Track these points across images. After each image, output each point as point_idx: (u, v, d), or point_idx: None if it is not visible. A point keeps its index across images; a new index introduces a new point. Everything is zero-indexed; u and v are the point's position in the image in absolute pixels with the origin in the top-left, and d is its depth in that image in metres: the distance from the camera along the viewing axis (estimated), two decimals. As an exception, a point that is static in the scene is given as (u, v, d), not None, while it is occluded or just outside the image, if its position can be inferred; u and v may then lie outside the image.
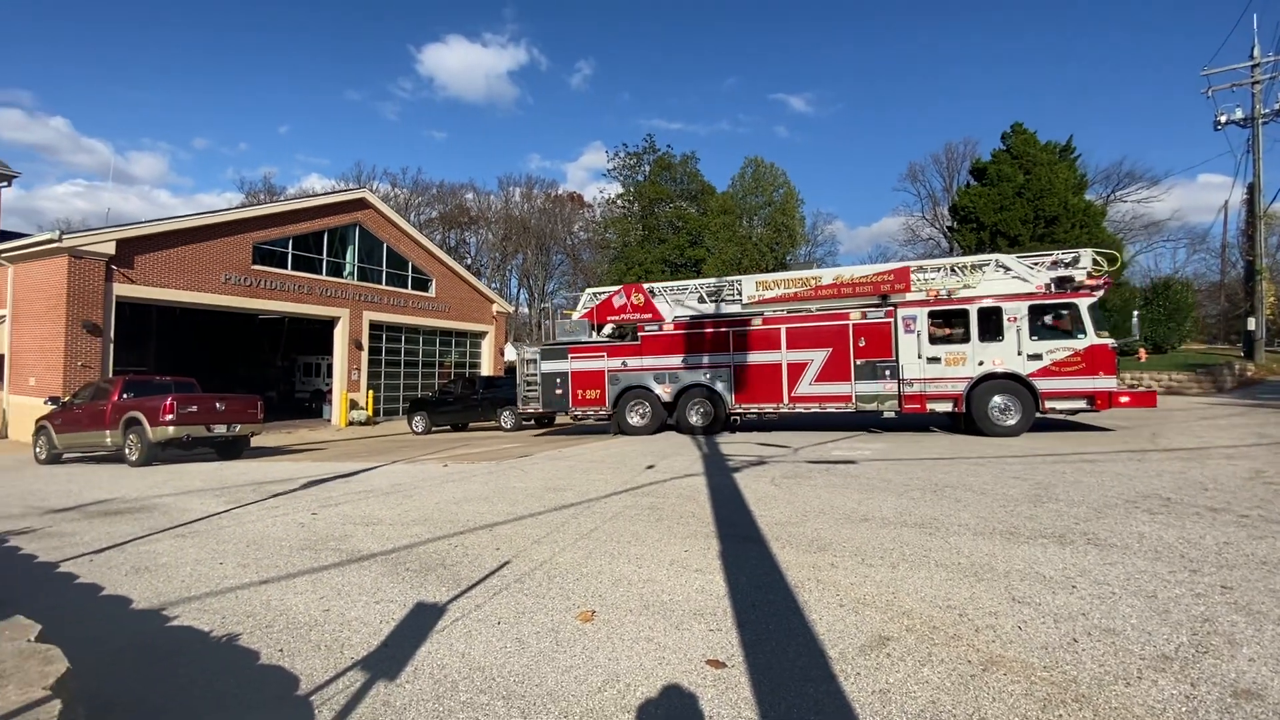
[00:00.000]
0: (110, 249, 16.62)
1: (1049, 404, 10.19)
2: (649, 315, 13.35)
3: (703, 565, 3.74)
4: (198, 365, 25.18)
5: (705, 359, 12.50)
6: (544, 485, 6.79)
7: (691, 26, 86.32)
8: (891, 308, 11.34)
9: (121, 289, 17.05)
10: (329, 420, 22.35)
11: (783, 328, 11.98)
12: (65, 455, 12.84)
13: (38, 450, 12.82)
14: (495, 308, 28.25)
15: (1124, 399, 9.93)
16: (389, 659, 2.75)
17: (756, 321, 12.20)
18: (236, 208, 23.42)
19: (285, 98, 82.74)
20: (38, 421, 12.99)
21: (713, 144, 76.50)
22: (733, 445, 9.63)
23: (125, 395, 11.93)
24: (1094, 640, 2.64)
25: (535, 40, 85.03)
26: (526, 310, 54.94)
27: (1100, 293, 10.22)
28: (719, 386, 12.37)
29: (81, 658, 2.07)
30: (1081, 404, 10.08)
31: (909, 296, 11.44)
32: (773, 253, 35.56)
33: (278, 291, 20.59)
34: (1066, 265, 10.79)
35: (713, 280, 13.19)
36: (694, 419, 12.54)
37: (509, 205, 58.46)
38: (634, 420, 12.95)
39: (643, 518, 4.98)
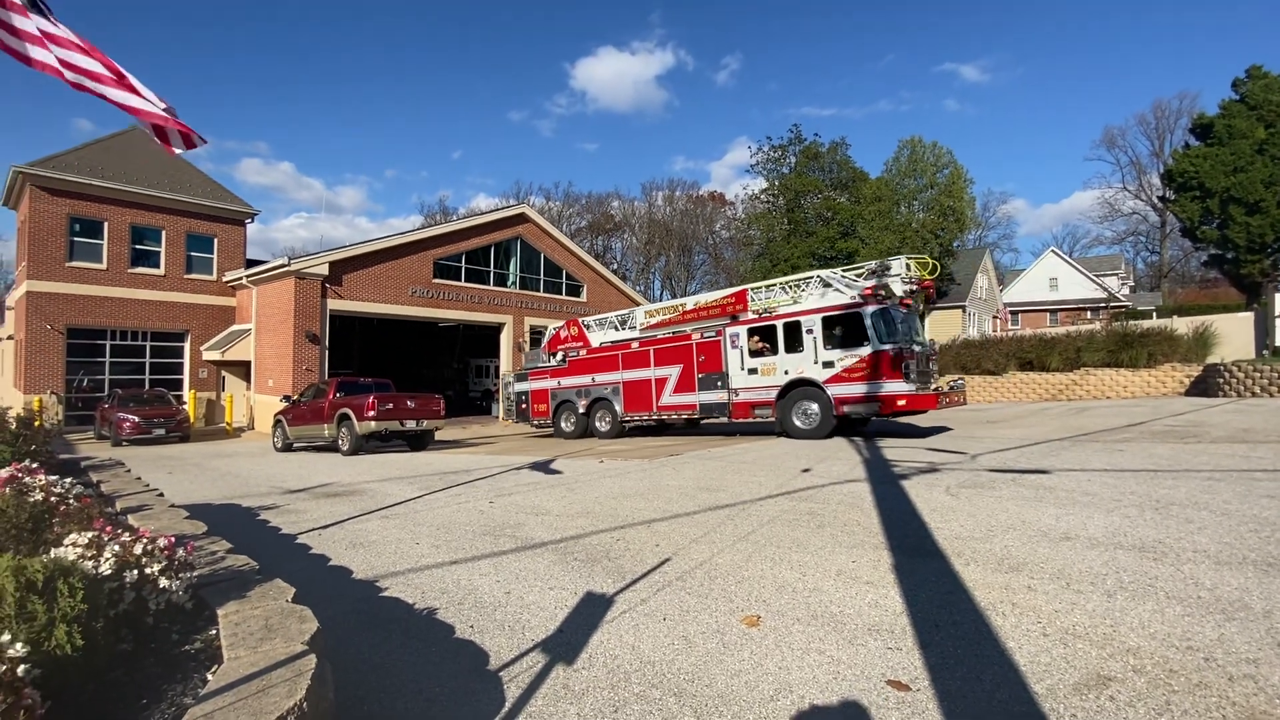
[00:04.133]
0: (324, 270, 19.53)
1: (845, 408, 11.26)
2: (581, 343, 16.07)
3: (874, 578, 3.53)
4: (390, 368, 28.78)
5: (606, 376, 15.02)
6: (696, 484, 6.85)
7: (843, 5, 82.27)
8: (722, 327, 13.13)
9: (333, 304, 19.97)
10: (497, 417, 24.35)
11: (651, 349, 14.21)
12: (295, 445, 15.27)
13: (275, 440, 15.38)
14: (643, 310, 29.07)
15: (901, 401, 10.73)
16: (565, 644, 2.93)
17: (636, 344, 14.54)
18: (418, 229, 26.44)
19: (458, 126, 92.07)
20: (275, 416, 15.59)
21: (869, 127, 72.30)
22: (898, 451, 9.02)
23: (338, 394, 13.93)
24: None
25: (682, 42, 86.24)
26: (672, 311, 55.76)
27: (888, 301, 11.14)
28: (614, 399, 14.83)
29: (322, 617, 2.45)
30: (873, 407, 11.01)
31: (746, 315, 12.93)
32: (937, 239, 32.69)
33: (453, 301, 22.88)
34: (880, 274, 11.66)
35: (623, 312, 15.84)
36: (600, 425, 15.10)
37: (651, 209, 59.91)
38: (565, 427, 15.79)
39: (803, 523, 4.82)
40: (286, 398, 15.87)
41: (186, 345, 22.32)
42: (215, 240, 22.86)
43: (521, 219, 25.66)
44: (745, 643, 2.83)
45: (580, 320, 16.77)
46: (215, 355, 21.89)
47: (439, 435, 16.15)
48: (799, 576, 3.62)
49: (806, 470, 7.43)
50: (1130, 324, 19.44)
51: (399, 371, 29.33)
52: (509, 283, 25.23)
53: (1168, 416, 11.67)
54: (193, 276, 22.35)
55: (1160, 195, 28.46)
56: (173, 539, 2.54)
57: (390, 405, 13.10)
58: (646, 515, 5.41)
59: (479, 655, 2.87)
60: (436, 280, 22.71)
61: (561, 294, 26.71)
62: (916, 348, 11.32)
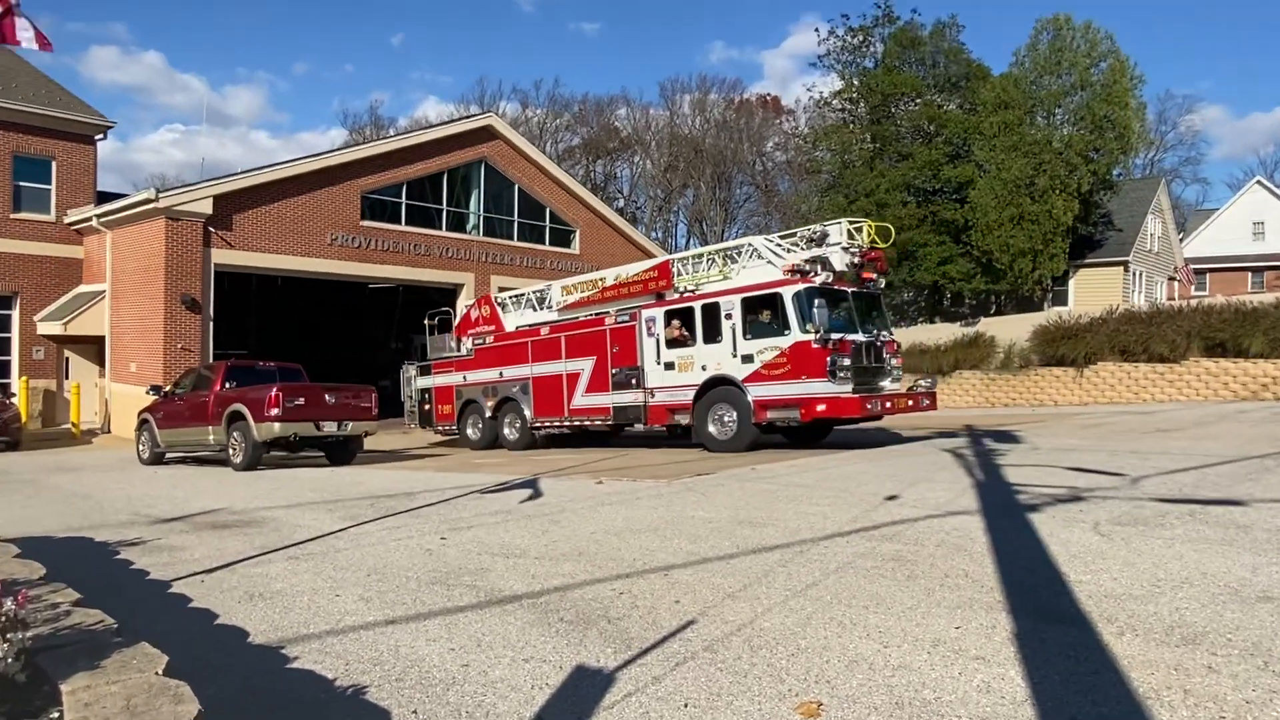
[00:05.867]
0: (207, 207, 19.72)
1: (768, 414, 12.26)
2: (493, 327, 17.46)
3: (986, 651, 3.55)
4: (302, 348, 29.00)
5: (515, 371, 16.40)
6: (734, 516, 6.89)
7: None
8: (637, 309, 14.18)
9: (220, 255, 20.17)
10: (451, 419, 24.52)
11: (563, 336, 15.45)
12: (169, 455, 15.48)
13: (140, 448, 15.63)
14: (659, 266, 29.14)
15: (820, 407, 11.74)
16: (545, 738, 2.97)
17: (545, 330, 15.92)
18: (340, 149, 26.57)
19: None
20: (140, 414, 15.84)
21: (991, 1, 71.21)
22: (1027, 470, 9.00)
23: (228, 385, 14.12)
24: None
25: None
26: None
27: (816, 278, 12.11)
28: (523, 399, 16.16)
29: (202, 697, 2.51)
30: (795, 414, 12.01)
31: (671, 294, 14.02)
32: (1088, 165, 32.25)
33: (390, 253, 23.03)
34: (816, 243, 12.62)
35: (541, 287, 17.10)
36: (509, 433, 16.56)
37: (675, 121, 59.67)
38: (471, 435, 17.41)
39: (885, 573, 4.85)
40: (156, 389, 16.09)
41: (14, 314, 22.64)
42: (53, 165, 23.04)
43: (487, 135, 25.68)
44: (800, 740, 2.86)
45: (493, 297, 18.12)
46: (54, 328, 22.18)
47: (370, 443, 16.32)
48: (878, 648, 3.64)
49: (891, 498, 7.42)
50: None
51: (314, 353, 29.60)
52: (469, 227, 25.32)
53: None
54: (21, 216, 22.59)
55: None
56: (-2, 586, 2.60)
57: (301, 401, 13.25)
58: (663, 559, 5.45)
59: (425, 752, 2.93)
60: (366, 223, 22.84)
61: (544, 243, 26.80)
62: (860, 337, 12.47)
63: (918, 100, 36.11)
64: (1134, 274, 37.58)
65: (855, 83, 37.51)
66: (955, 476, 8.66)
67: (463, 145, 24.96)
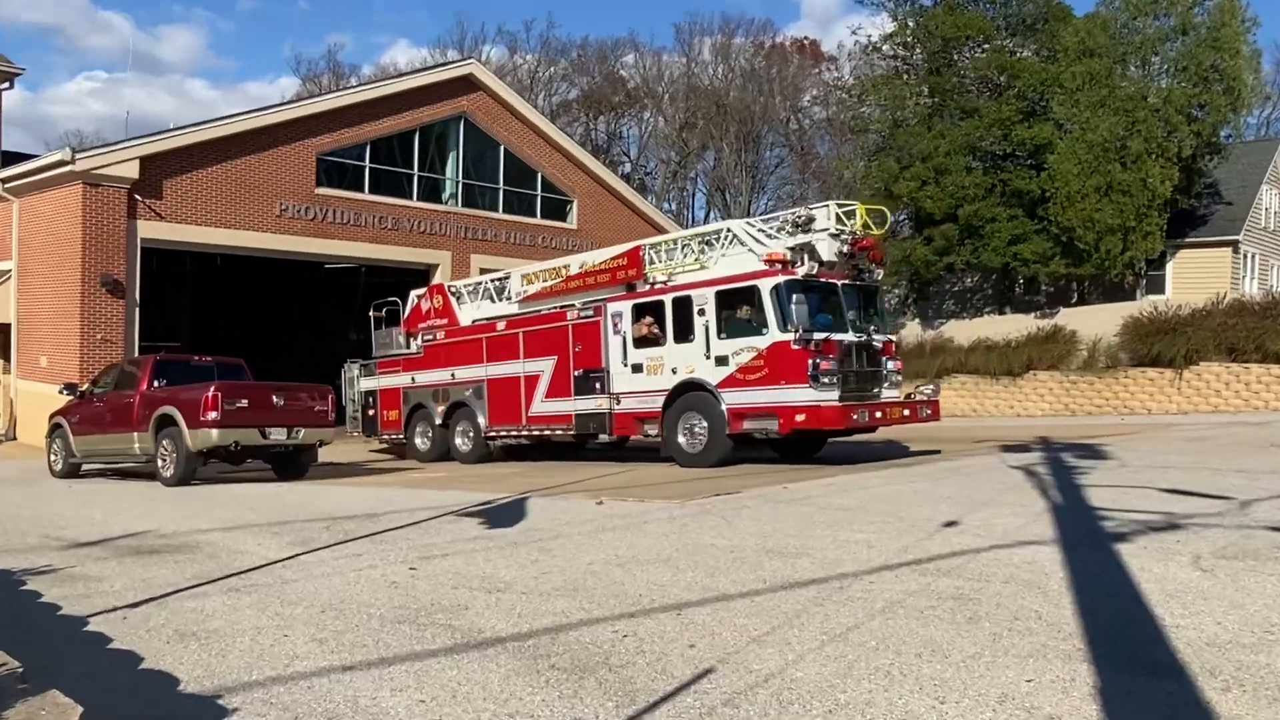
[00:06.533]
0: (133, 171, 19.80)
1: (745, 423, 12.80)
2: (446, 320, 18.12)
3: (1063, 709, 3.53)
4: (245, 340, 29.14)
5: (468, 372, 16.99)
6: (760, 544, 6.89)
7: None
8: (603, 303, 14.76)
9: (148, 228, 20.26)
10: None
11: (521, 332, 16.09)
12: (86, 466, 15.53)
13: (52, 459, 15.72)
14: (674, 243, 29.25)
15: (799, 417, 12.15)
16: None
17: (501, 325, 16.64)
18: (292, 102, 26.64)
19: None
20: (52, 419, 15.92)
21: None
22: (1112, 491, 8.97)
23: (157, 383, 14.18)
24: None
25: None
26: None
27: (800, 269, 12.59)
28: (476, 404, 16.78)
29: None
30: (773, 424, 12.49)
31: (643, 285, 14.59)
32: (1190, 124, 32.06)
33: (351, 227, 23.10)
34: (802, 229, 12.95)
35: (499, 275, 17.77)
36: (460, 443, 17.21)
37: (693, 70, 59.62)
38: (419, 445, 18.09)
39: (942, 614, 4.83)
40: (70, 388, 16.16)
41: (-96, 297, 22.76)
42: (-52, 119, 23.17)
43: (468, 85, 25.72)
44: (838, 814, 2.86)
45: (446, 286, 18.75)
46: (-49, 314, 22.28)
47: (325, 454, 16.37)
48: (933, 704, 3.63)
49: (950, 524, 7.41)
50: None
51: (260, 347, 29.70)
52: (446, 196, 25.40)
53: None
54: (-88, 180, 22.71)
55: None
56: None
57: (244, 403, 13.30)
58: (674, 595, 5.45)
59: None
60: (323, 191, 22.91)
61: (535, 215, 26.84)
62: (850, 337, 12.91)
63: (985, 45, 35.92)
64: (1245, 256, 37.39)
65: (910, 24, 37.34)
66: (1027, 499, 8.62)
67: (439, 98, 25.01)
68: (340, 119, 23.13)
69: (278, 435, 13.60)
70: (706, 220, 56.66)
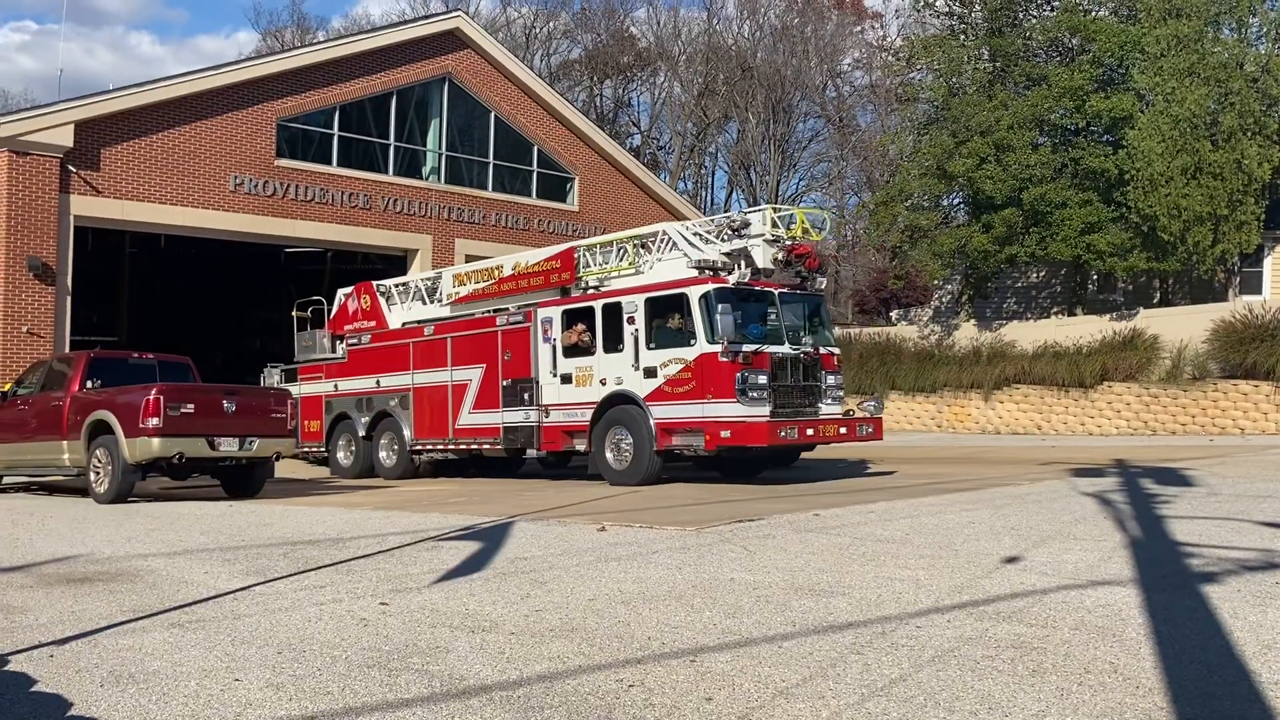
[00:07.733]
0: (66, 138, 19.91)
1: (674, 439, 13.68)
2: (374, 322, 19.11)
3: (1140, 776, 3.52)
4: (192, 335, 29.25)
5: (393, 380, 17.92)
6: (789, 580, 6.88)
7: None
8: (532, 308, 15.77)
9: (83, 204, 20.37)
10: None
11: (449, 338, 17.09)
12: (7, 479, 15.59)
13: (-32, 471, 15.75)
14: (690, 229, 29.33)
15: (725, 433, 12.98)
16: None
17: (429, 330, 17.58)
18: (248, 60, 26.73)
19: None
20: (-32, 424, 15.95)
21: None
22: (1200, 525, 8.94)
23: (90, 384, 14.22)
24: None
25: None
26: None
27: (729, 278, 13.47)
28: (401, 415, 17.64)
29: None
30: (699, 440, 13.33)
31: (575, 291, 15.67)
32: (1291, 98, 32.01)
33: (316, 205, 23.18)
34: (737, 234, 13.94)
35: (430, 274, 18.84)
36: (384, 457, 18.18)
37: (713, 29, 59.62)
38: (342, 459, 19.00)
39: (1001, 665, 4.82)
40: (-9, 387, 16.20)
41: None
42: None
43: (453, 42, 25.75)
44: None
45: (375, 285, 19.61)
46: None
47: (282, 469, 16.40)
48: (990, 770, 3.63)
49: (1011, 560, 7.39)
50: None
51: (209, 342, 29.82)
52: (426, 171, 25.46)
53: None
54: None
55: None
56: None
57: (190, 408, 13.32)
58: (689, 638, 5.44)
59: None
60: (283, 163, 22.96)
61: (530, 195, 26.90)
62: (785, 349, 13.71)
63: (1055, 3, 35.90)
64: (1353, 252, 37.25)
65: (968, -22, 37.38)
66: (1100, 531, 8.59)
67: (419, 56, 25.04)
68: (304, 80, 23.16)
69: (228, 446, 13.59)
70: (728, 203, 56.69)
